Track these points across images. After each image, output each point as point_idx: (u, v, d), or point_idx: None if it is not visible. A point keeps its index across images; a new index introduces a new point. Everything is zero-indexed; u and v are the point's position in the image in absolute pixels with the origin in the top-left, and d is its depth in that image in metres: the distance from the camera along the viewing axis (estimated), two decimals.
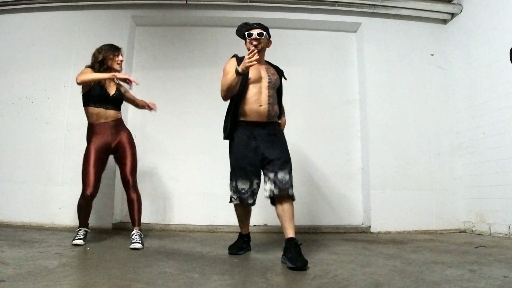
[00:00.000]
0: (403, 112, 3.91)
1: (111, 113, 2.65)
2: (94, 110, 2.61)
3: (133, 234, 2.54)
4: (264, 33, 2.36)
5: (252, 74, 2.31)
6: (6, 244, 2.37)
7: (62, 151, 3.64)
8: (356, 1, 3.91)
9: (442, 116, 3.96)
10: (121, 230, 3.37)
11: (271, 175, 2.16)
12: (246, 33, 2.37)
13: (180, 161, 3.89)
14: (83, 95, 2.62)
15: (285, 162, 2.20)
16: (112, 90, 2.67)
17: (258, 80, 2.30)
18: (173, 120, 3.97)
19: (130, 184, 2.63)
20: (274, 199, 2.18)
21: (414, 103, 3.94)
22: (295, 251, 1.96)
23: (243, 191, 2.22)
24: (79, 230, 2.57)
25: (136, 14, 4.01)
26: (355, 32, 4.23)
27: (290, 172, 2.19)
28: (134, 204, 2.63)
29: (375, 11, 3.99)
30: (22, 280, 1.50)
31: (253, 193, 2.25)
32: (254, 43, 2.32)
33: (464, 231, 3.68)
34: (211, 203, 3.76)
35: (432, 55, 4.06)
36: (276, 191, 2.11)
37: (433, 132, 3.91)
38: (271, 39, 2.46)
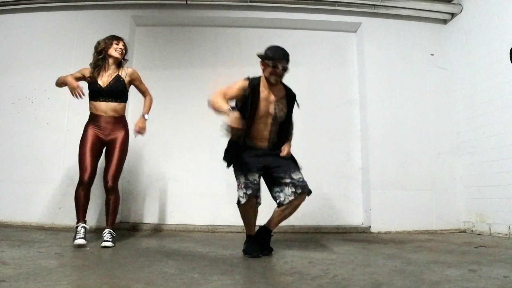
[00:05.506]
0: (403, 112, 3.91)
1: (111, 106, 2.63)
2: (93, 104, 2.64)
3: (105, 232, 2.54)
4: (289, 67, 2.39)
5: (261, 108, 2.33)
6: (6, 244, 2.37)
7: (62, 151, 3.64)
8: (356, 1, 3.91)
9: (442, 116, 3.96)
10: (121, 230, 3.37)
11: (287, 179, 2.28)
12: (271, 62, 2.31)
13: (180, 161, 3.88)
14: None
15: (295, 164, 2.40)
16: (105, 82, 2.62)
17: (265, 115, 2.36)
18: (173, 120, 3.97)
19: (109, 187, 2.57)
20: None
21: (414, 103, 3.94)
22: (264, 241, 2.31)
23: (255, 181, 2.22)
24: (78, 226, 2.46)
25: (136, 14, 4.01)
26: (355, 32, 4.22)
27: (300, 171, 2.38)
28: (110, 205, 2.61)
29: (375, 11, 3.99)
30: (22, 280, 1.50)
31: (259, 187, 2.26)
32: (275, 77, 2.34)
33: (464, 231, 3.67)
34: (211, 203, 3.76)
35: (432, 55, 4.06)
36: (299, 191, 2.24)
37: (433, 132, 3.91)
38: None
